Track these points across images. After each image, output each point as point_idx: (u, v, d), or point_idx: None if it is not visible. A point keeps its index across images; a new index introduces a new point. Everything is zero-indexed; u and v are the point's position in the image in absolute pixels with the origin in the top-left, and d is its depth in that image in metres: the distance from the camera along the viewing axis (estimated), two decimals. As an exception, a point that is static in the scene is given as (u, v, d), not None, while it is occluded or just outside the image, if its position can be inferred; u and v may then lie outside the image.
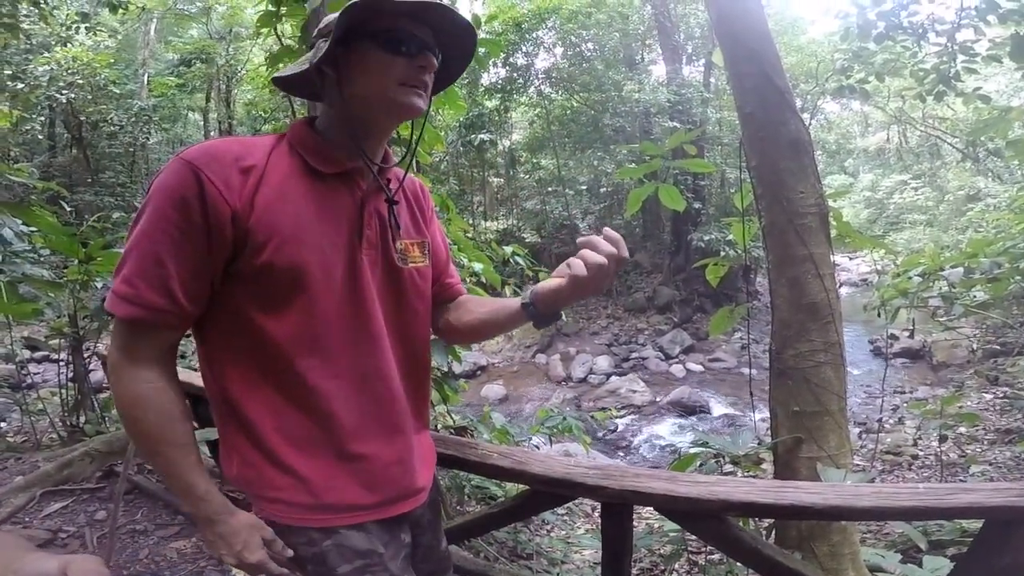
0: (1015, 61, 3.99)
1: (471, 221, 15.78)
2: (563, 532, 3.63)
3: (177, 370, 0.95)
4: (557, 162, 16.30)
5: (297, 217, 0.90)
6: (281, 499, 0.94)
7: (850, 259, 18.13)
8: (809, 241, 2.19)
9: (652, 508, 1.53)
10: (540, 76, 16.09)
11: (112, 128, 14.59)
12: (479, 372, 11.59)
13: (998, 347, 7.18)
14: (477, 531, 1.65)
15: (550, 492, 1.43)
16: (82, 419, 4.08)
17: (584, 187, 16.37)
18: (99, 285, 3.71)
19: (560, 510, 3.72)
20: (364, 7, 0.88)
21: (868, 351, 10.45)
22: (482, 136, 15.32)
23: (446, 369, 2.63)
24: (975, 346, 7.83)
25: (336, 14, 0.95)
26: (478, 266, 2.93)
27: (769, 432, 2.53)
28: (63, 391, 4.22)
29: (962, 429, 4.91)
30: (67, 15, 9.71)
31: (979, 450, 4.83)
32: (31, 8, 5.77)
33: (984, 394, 6.34)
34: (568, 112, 16.40)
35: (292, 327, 0.91)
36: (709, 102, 14.30)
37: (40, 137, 14.39)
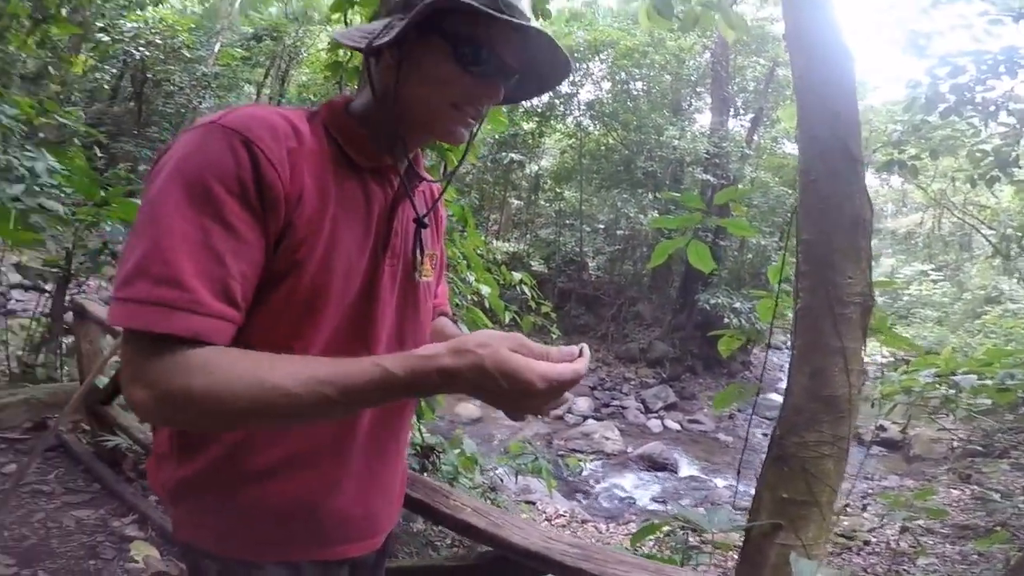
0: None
1: (484, 238, 15.73)
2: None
3: None
4: (580, 195, 16.24)
5: (334, 218, 0.77)
6: (208, 524, 0.83)
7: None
8: (845, 333, 2.03)
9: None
10: (582, 107, 16.10)
11: (172, 88, 15.06)
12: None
13: (980, 448, 7.43)
14: (419, 579, 1.53)
15: (519, 563, 1.31)
16: (39, 360, 3.94)
17: (602, 226, 16.27)
18: (107, 228, 3.74)
19: None
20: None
21: (847, 438, 10.75)
22: (512, 155, 15.29)
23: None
24: (956, 444, 8.03)
25: None
26: (485, 289, 2.81)
27: (738, 505, 2.42)
28: (33, 325, 4.10)
29: (920, 521, 5.03)
30: (172, -23, 10.12)
31: (933, 542, 4.95)
32: (140, -36, 5.88)
33: (953, 490, 6.54)
34: (602, 148, 16.36)
35: (286, 342, 0.75)
36: (748, 159, 14.20)
37: (105, 87, 14.88)
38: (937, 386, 4.09)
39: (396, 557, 2.05)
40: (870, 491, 7.08)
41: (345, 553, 0.91)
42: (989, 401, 4.13)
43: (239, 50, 16.18)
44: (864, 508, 6.34)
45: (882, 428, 9.69)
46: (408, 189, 0.88)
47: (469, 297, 2.89)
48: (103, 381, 2.92)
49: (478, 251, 3.13)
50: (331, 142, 0.81)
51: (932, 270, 19.63)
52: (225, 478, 0.81)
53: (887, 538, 4.93)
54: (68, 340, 4.05)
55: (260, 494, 0.82)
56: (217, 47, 15.91)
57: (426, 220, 0.92)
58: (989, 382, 3.84)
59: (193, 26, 14.54)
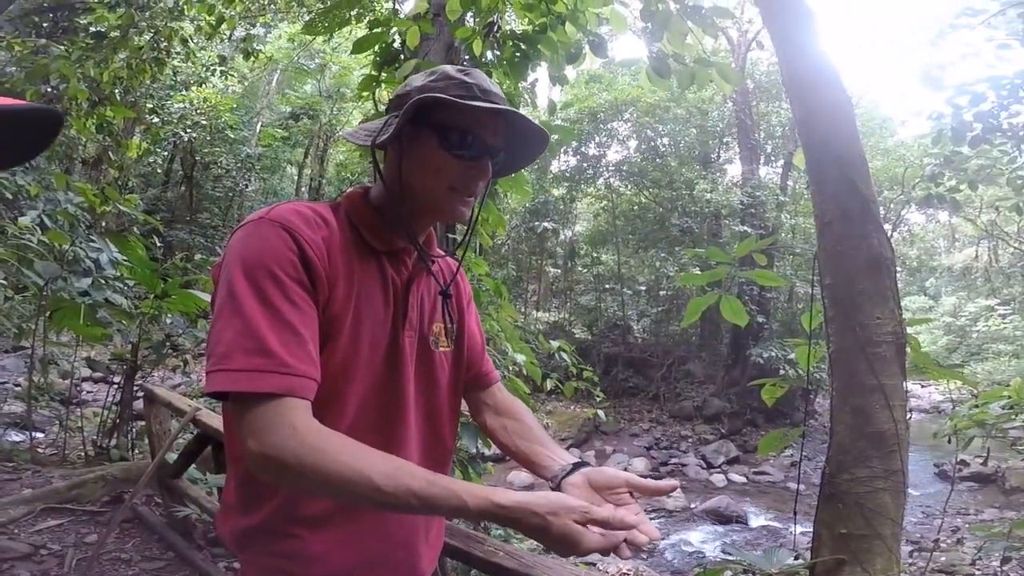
0: None
1: (523, 310, 15.76)
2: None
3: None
4: (618, 258, 16.13)
5: (358, 296, 0.89)
6: (269, 567, 0.92)
7: (922, 387, 17.02)
8: (881, 372, 2.01)
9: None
10: (610, 168, 16.17)
11: (219, 171, 15.68)
12: (508, 457, 11.36)
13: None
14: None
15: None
16: (112, 443, 4.21)
17: (643, 288, 16.08)
18: (168, 321, 3.96)
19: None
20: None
21: (932, 474, 10.37)
22: (545, 224, 15.39)
23: (474, 451, 2.58)
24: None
25: (413, 77, 0.95)
26: (520, 358, 2.91)
27: (808, 549, 2.33)
28: (104, 412, 4.40)
29: (1029, 550, 4.72)
30: (208, 56, 10.62)
31: (1045, 571, 4.71)
32: (182, 47, 6.29)
33: (1061, 518, 6.12)
34: (635, 207, 16.35)
35: (326, 400, 0.86)
36: (784, 207, 13.95)
37: (158, 171, 15.60)
38: (1012, 417, 3.95)
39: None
40: (967, 525, 6.87)
41: None
42: (1073, 427, 3.93)
43: (279, 130, 16.85)
44: (959, 542, 6.14)
45: (964, 463, 9.54)
46: (424, 267, 1.01)
47: (510, 368, 2.98)
48: (172, 457, 3.12)
49: (516, 323, 3.22)
50: (352, 229, 0.93)
51: (998, 304, 18.63)
52: (283, 526, 0.91)
53: (994, 570, 4.79)
54: (137, 425, 4.35)
55: (314, 539, 0.92)
56: (258, 127, 16.66)
57: (449, 291, 1.04)
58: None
59: (235, 106, 15.24)
